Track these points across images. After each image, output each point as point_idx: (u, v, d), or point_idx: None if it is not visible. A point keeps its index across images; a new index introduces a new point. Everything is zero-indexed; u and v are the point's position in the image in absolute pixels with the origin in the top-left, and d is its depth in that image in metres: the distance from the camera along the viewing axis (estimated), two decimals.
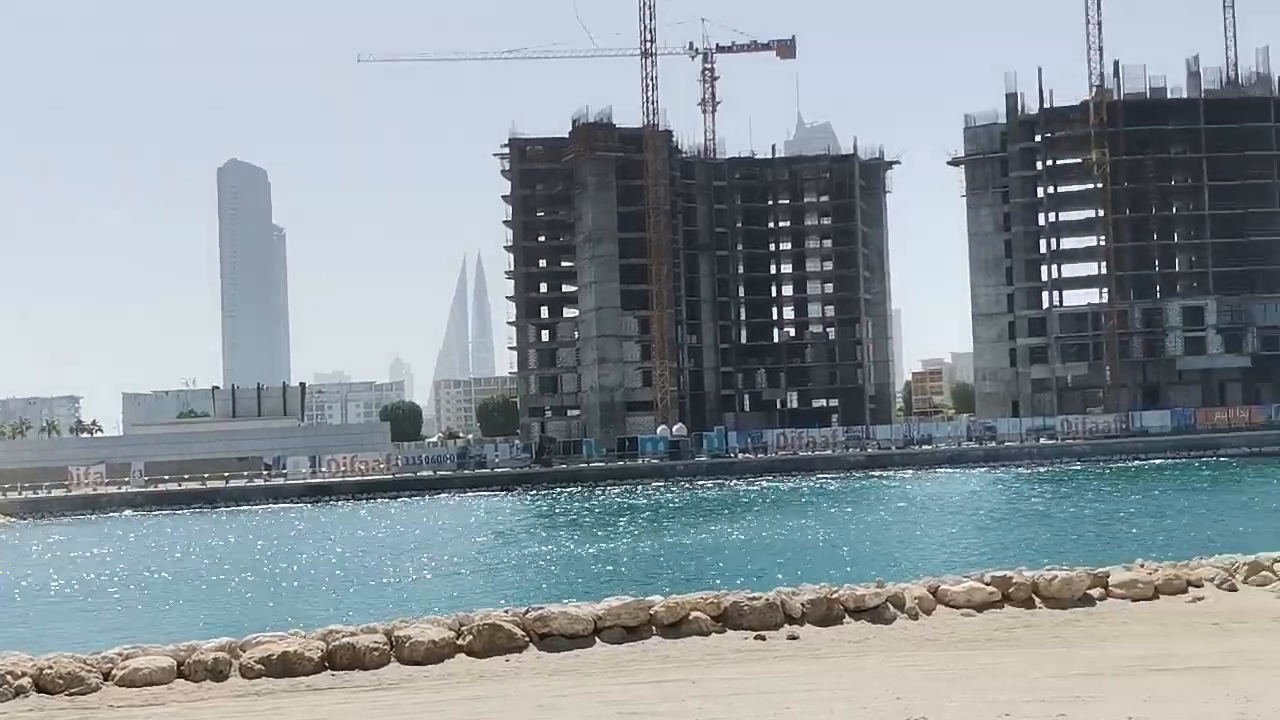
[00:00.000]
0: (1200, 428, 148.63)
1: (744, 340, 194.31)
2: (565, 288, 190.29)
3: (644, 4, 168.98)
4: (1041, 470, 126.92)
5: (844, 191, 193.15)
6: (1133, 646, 15.09)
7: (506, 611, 15.95)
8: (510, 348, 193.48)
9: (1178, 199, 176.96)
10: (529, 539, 75.82)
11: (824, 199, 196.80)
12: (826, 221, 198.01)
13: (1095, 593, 17.30)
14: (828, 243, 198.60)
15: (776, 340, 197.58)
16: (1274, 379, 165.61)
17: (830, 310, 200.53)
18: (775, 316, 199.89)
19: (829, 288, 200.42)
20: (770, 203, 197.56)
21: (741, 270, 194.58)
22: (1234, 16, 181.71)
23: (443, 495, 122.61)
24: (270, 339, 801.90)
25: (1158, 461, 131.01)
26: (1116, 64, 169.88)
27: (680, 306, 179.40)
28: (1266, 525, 65.13)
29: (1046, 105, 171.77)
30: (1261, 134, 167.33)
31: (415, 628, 15.45)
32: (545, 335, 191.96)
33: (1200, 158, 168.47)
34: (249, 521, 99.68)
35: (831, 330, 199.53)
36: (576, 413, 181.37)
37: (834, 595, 16.62)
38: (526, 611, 15.87)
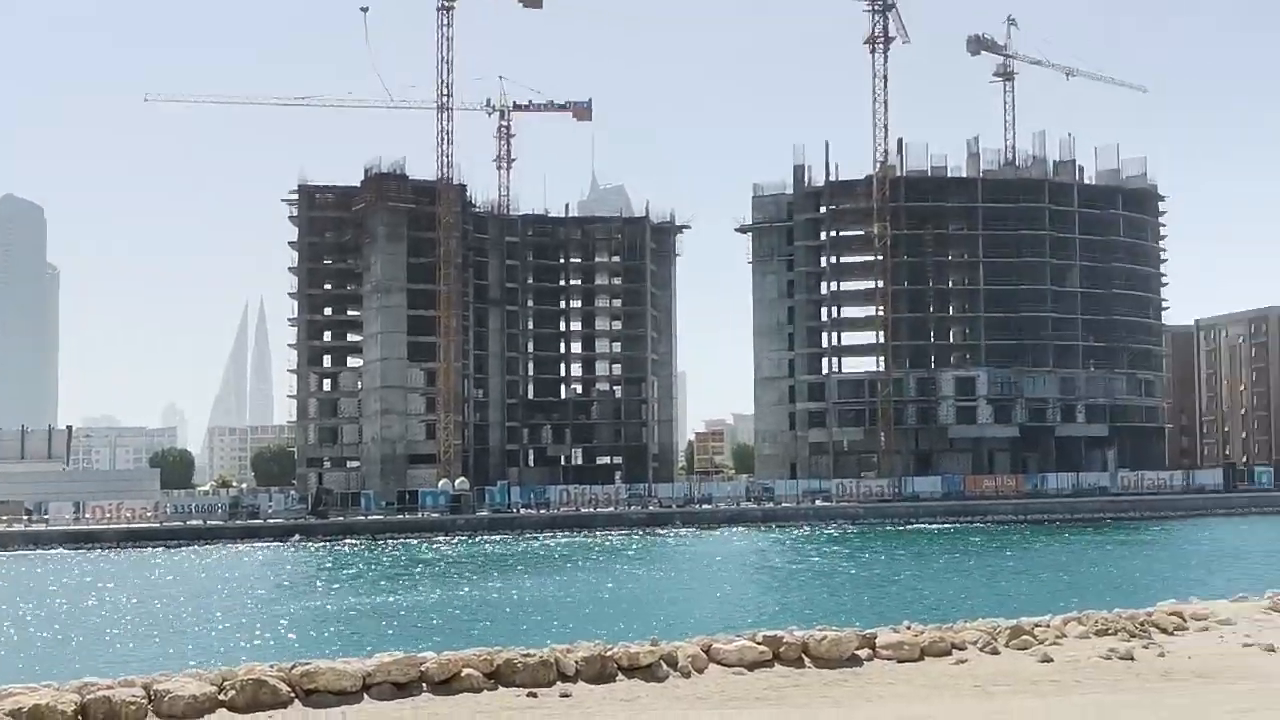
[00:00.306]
0: (969, 494, 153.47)
1: (531, 396, 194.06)
2: (351, 337, 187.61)
3: (441, 59, 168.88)
4: (817, 531, 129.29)
5: (635, 253, 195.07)
6: (899, 707, 15.37)
7: (272, 666, 15.46)
8: (290, 396, 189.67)
9: (954, 273, 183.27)
10: (301, 592, 74.11)
11: (615, 259, 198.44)
12: (617, 281, 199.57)
13: (863, 653, 17.56)
14: (617, 302, 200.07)
15: (563, 397, 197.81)
16: (1040, 449, 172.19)
17: (617, 369, 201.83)
18: (563, 373, 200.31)
19: (617, 347, 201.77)
20: (562, 260, 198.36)
21: (531, 326, 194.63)
22: (1013, 100, 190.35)
23: (213, 545, 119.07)
24: (38, 380, 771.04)
25: (928, 526, 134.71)
26: (900, 141, 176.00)
27: (468, 360, 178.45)
28: (1028, 589, 67.49)
29: (832, 178, 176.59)
30: (1035, 214, 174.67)
31: (175, 681, 14.87)
32: (327, 384, 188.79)
33: (977, 234, 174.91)
34: (4, 569, 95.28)
35: (618, 389, 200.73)
36: (356, 464, 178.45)
37: (608, 653, 16.55)
38: (293, 667, 15.40)
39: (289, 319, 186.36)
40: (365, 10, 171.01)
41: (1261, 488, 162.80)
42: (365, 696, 15.24)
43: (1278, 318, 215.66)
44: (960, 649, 18.10)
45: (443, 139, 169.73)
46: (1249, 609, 21.00)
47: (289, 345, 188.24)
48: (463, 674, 15.73)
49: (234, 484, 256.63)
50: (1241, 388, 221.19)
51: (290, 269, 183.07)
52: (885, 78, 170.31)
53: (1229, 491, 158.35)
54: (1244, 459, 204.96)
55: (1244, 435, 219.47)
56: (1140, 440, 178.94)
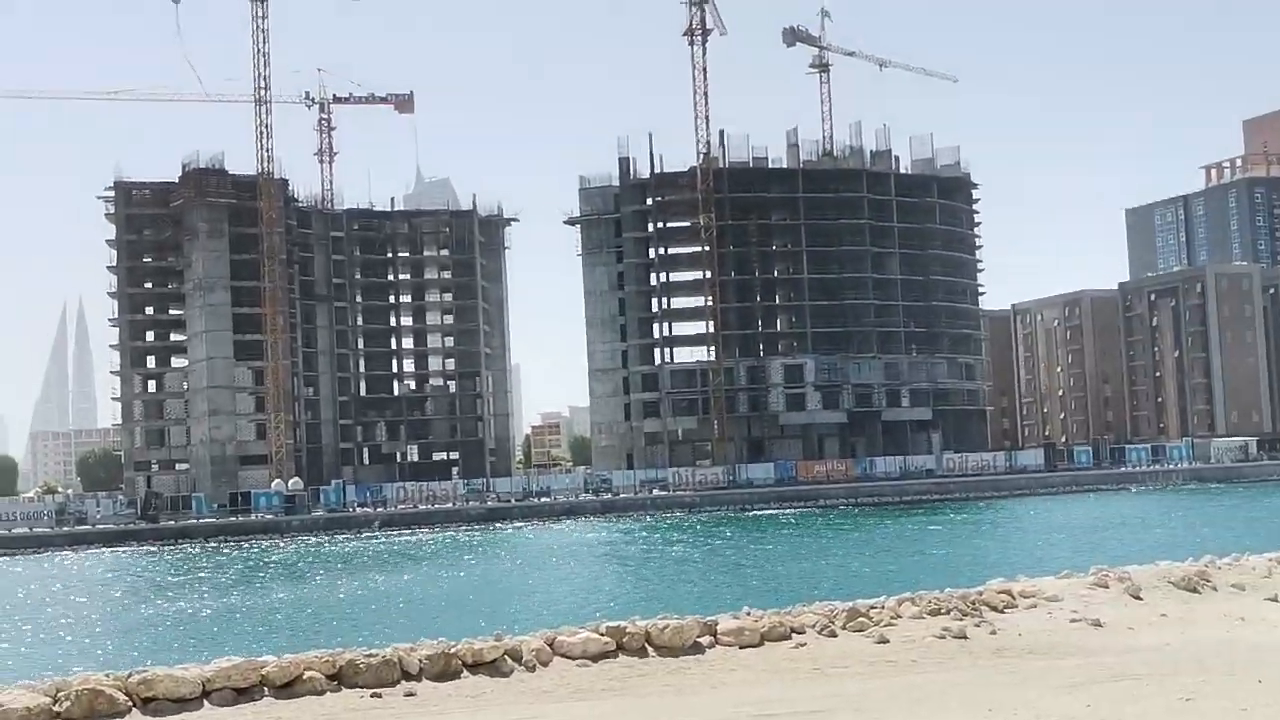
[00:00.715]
0: (801, 480, 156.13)
1: (363, 393, 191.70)
2: (174, 337, 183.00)
3: (258, 50, 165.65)
4: (656, 520, 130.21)
5: (464, 246, 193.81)
6: (741, 692, 15.60)
7: (108, 675, 15.10)
8: (114, 399, 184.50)
9: (779, 263, 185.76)
10: (135, 599, 72.32)
11: (444, 253, 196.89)
12: (447, 275, 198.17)
13: (705, 641, 17.76)
14: (448, 296, 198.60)
15: (396, 393, 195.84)
16: (867, 434, 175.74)
17: (450, 364, 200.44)
18: (395, 369, 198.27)
19: (449, 341, 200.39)
20: (390, 255, 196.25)
21: (360, 322, 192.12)
22: (829, 91, 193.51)
23: (41, 554, 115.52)
24: None
25: (764, 512, 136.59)
26: (722, 133, 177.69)
27: (297, 358, 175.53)
28: (862, 571, 68.90)
29: (658, 170, 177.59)
30: (855, 203, 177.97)
31: (7, 694, 14.44)
32: (152, 386, 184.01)
33: (799, 224, 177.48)
34: None
35: (452, 384, 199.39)
36: (185, 466, 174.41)
37: (452, 650, 16.50)
38: (129, 675, 15.07)
39: (109, 319, 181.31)
40: (178, 2, 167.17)
41: (1081, 467, 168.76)
42: (205, 703, 14.99)
43: (1090, 301, 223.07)
44: (799, 633, 18.42)
45: (262, 133, 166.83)
46: (1075, 585, 21.72)
47: (111, 346, 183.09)
48: (305, 677, 15.56)
49: (60, 490, 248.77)
50: (1058, 369, 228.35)
51: (109, 267, 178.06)
52: (705, 70, 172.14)
53: (1049, 471, 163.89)
54: (1063, 439, 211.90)
55: (1062, 416, 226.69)
56: (963, 423, 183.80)
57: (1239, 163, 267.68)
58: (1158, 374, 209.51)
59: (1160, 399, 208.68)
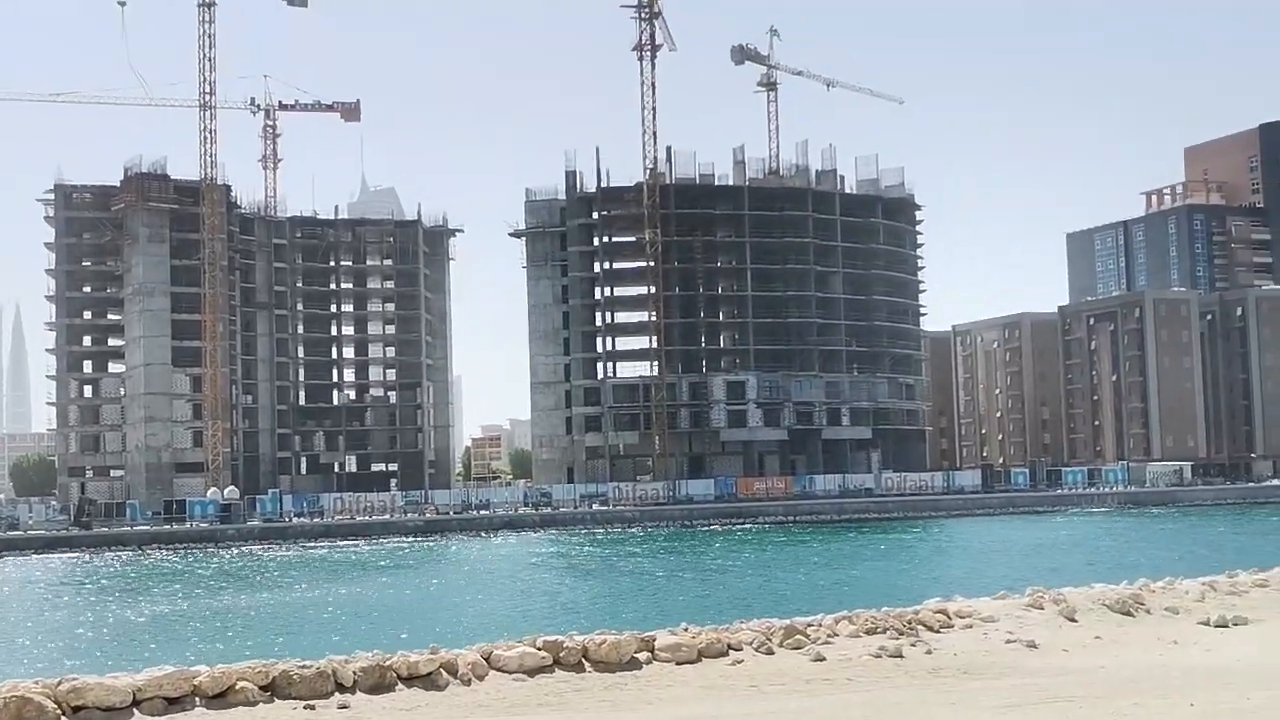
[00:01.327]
0: (741, 496, 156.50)
1: (302, 402, 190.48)
2: (112, 342, 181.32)
3: (204, 56, 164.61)
4: (595, 535, 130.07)
5: (407, 256, 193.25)
6: (677, 709, 15.57)
7: (37, 683, 14.86)
8: (49, 403, 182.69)
9: (723, 279, 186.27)
10: (66, 606, 71.38)
11: (387, 262, 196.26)
12: (389, 285, 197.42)
13: (643, 656, 17.72)
14: (390, 306, 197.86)
15: (336, 403, 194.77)
16: (808, 451, 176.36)
17: (391, 374, 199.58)
18: (335, 378, 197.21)
19: (390, 351, 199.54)
20: (332, 263, 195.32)
21: (301, 330, 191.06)
22: (776, 110, 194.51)
23: None
24: None
25: (704, 527, 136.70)
26: (669, 149, 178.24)
27: (236, 365, 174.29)
28: (800, 588, 69.08)
29: (604, 185, 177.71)
30: (799, 222, 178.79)
31: None
32: (88, 391, 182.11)
33: (744, 242, 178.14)
34: None
35: (393, 394, 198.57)
36: (121, 473, 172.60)
37: (387, 663, 16.36)
38: (59, 683, 14.84)
39: (46, 323, 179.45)
40: (123, 4, 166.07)
41: (1017, 488, 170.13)
42: (135, 712, 14.78)
43: (1030, 324, 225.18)
44: (736, 650, 18.41)
45: (206, 138, 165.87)
46: (1010, 606, 21.84)
47: (47, 350, 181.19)
48: (237, 687, 15.38)
49: None
50: (997, 391, 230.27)
51: (48, 271, 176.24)
52: (654, 85, 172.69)
53: (987, 492, 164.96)
54: (1000, 460, 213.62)
55: (1000, 437, 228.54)
56: (903, 442, 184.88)
57: (1179, 189, 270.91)
58: (1095, 397, 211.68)
59: (1097, 422, 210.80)
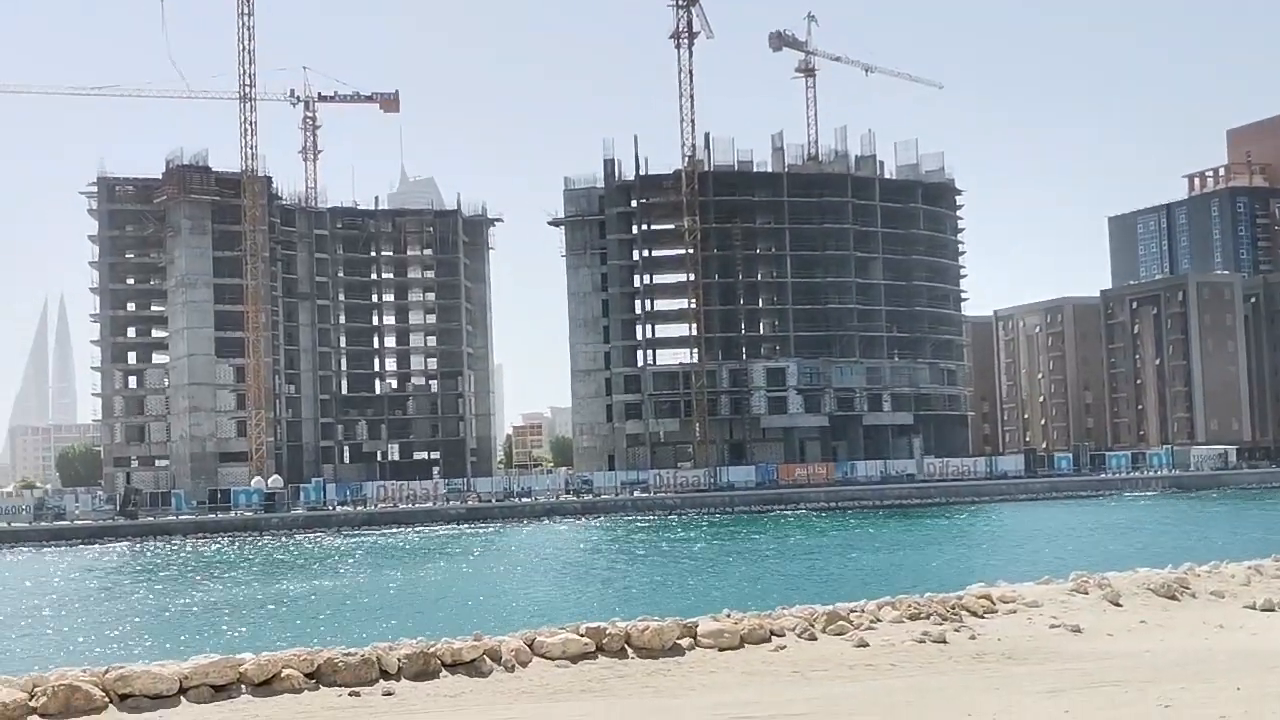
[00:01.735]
0: (782, 483, 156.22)
1: (344, 391, 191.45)
2: (156, 333, 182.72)
3: (243, 49, 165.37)
4: (636, 521, 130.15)
5: (447, 246, 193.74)
6: (719, 695, 15.58)
7: (85, 671, 15.02)
8: (94, 394, 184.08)
9: (763, 266, 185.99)
10: (112, 595, 72.05)
11: (427, 252, 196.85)
12: (430, 275, 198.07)
13: (685, 643, 17.75)
14: (431, 296, 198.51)
15: (378, 392, 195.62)
16: (849, 437, 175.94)
17: (433, 363, 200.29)
18: (377, 368, 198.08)
19: (432, 340, 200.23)
20: (373, 254, 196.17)
21: (343, 320, 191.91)
22: (815, 96, 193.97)
23: (18, 549, 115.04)
24: None
25: (745, 514, 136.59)
26: (707, 136, 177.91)
27: (278, 355, 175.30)
28: (842, 574, 68.95)
29: (642, 173, 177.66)
30: (839, 208, 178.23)
31: None
32: (133, 382, 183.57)
33: (783, 228, 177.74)
34: None
35: (434, 383, 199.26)
36: (165, 463, 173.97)
37: (431, 649, 16.45)
38: (106, 671, 14.99)
39: (91, 314, 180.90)
40: None
41: (1061, 473, 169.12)
42: (182, 700, 14.91)
43: (1072, 308, 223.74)
44: (779, 635, 18.41)
45: (246, 130, 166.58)
46: (1054, 591, 21.76)
47: (92, 342, 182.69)
48: (283, 675, 15.49)
49: (38, 485, 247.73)
50: (1039, 376, 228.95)
51: (91, 263, 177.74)
52: (691, 73, 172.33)
53: (1030, 477, 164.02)
54: (1043, 445, 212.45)
55: (1043, 422, 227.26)
56: (944, 427, 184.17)
57: (1222, 172, 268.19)
58: (1138, 381, 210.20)
59: (1141, 406, 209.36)
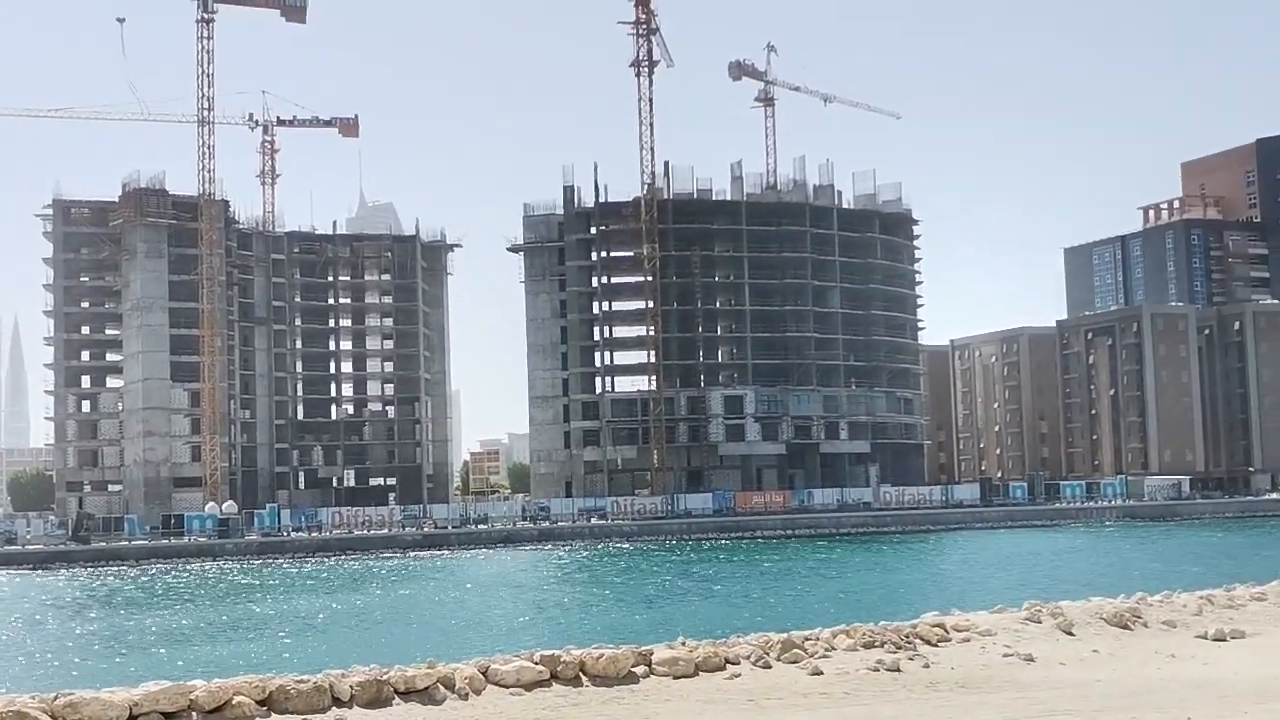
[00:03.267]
0: (740, 510, 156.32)
1: (300, 416, 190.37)
2: (110, 357, 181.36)
3: (202, 72, 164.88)
4: (593, 548, 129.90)
5: (406, 271, 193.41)
6: None
7: (33, 697, 14.85)
8: (47, 418, 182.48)
9: (721, 294, 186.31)
10: (62, 620, 71.28)
11: (385, 277, 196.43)
12: (388, 300, 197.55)
13: (640, 670, 17.70)
14: (389, 321, 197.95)
15: (334, 417, 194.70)
16: (806, 465, 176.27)
17: (390, 389, 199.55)
18: (333, 393, 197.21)
19: (389, 366, 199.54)
20: (331, 279, 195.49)
21: (299, 345, 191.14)
22: (774, 125, 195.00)
23: None
24: None
25: (702, 542, 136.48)
26: (666, 164, 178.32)
27: (234, 380, 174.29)
28: (797, 602, 69.00)
29: (602, 200, 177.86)
30: (797, 236, 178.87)
31: None
32: (86, 406, 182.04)
33: (742, 256, 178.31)
34: None
35: (391, 409, 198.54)
36: (119, 488, 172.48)
37: (384, 677, 16.35)
38: (55, 697, 14.83)
39: (45, 338, 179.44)
40: (122, 21, 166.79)
41: (1016, 502, 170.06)
42: None
43: (1028, 338, 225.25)
44: (734, 663, 18.39)
45: (204, 153, 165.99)
46: (1008, 620, 21.84)
47: (45, 365, 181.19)
48: (234, 702, 15.37)
49: None
50: (995, 405, 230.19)
51: (46, 286, 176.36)
52: (651, 101, 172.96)
53: (985, 506, 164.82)
54: (999, 474, 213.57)
55: (998, 451, 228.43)
56: (901, 456, 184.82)
57: (1176, 204, 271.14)
58: (1093, 411, 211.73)
59: (1095, 436, 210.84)
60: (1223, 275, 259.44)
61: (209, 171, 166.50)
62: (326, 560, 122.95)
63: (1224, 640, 21.25)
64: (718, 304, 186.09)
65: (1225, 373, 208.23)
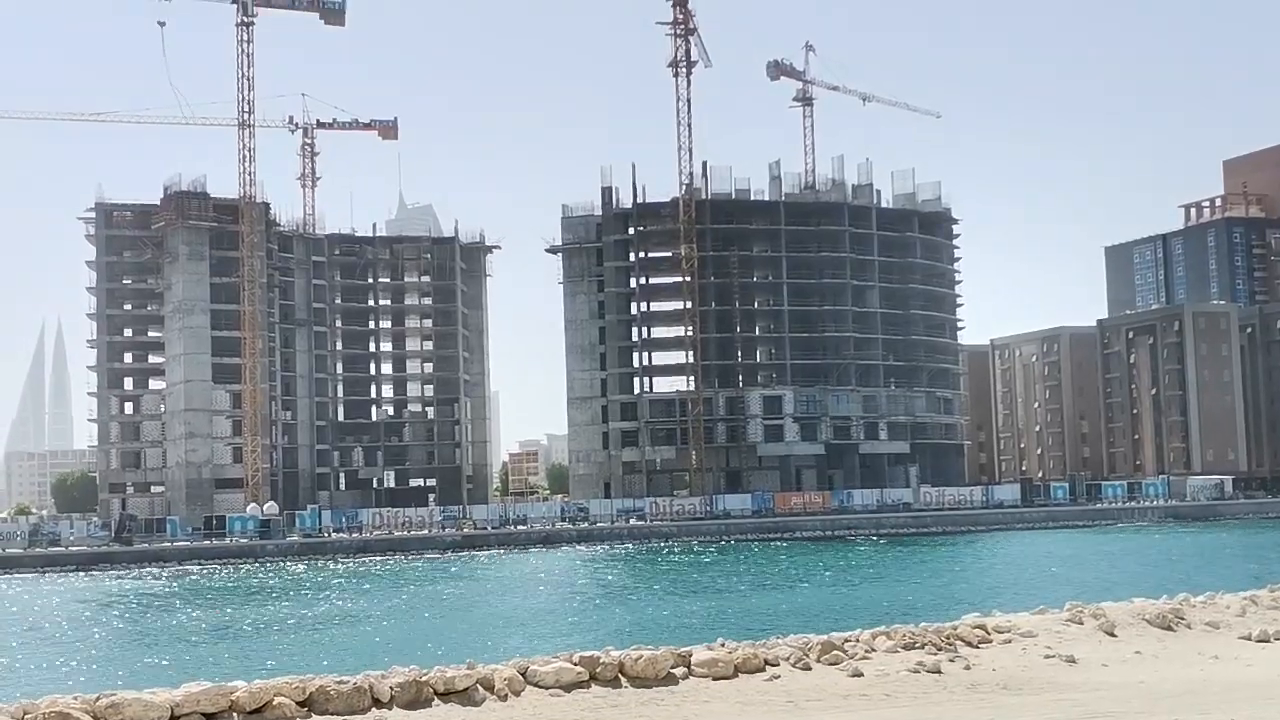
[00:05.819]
0: (778, 511, 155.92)
1: (341, 418, 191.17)
2: (152, 359, 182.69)
3: (242, 75, 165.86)
4: (632, 550, 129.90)
5: (445, 273, 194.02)
6: None
7: (75, 698, 14.96)
8: (90, 420, 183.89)
9: (759, 295, 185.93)
10: (104, 622, 71.80)
11: (425, 279, 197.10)
12: (427, 302, 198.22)
13: (679, 671, 17.70)
14: (428, 323, 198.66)
15: (374, 418, 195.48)
16: (845, 466, 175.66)
17: (429, 390, 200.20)
18: (373, 394, 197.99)
19: (429, 367, 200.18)
20: (370, 280, 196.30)
21: (340, 347, 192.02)
22: (812, 125, 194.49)
23: (12, 575, 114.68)
24: None
25: (741, 542, 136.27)
26: (705, 164, 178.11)
27: (275, 381, 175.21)
28: (839, 604, 68.77)
29: (640, 200, 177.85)
30: (836, 236, 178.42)
31: None
32: (129, 408, 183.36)
33: (780, 256, 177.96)
34: None
35: (430, 410, 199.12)
36: (161, 489, 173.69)
37: (423, 678, 16.40)
38: (97, 698, 14.93)
39: (88, 340, 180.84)
40: (163, 25, 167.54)
41: (1057, 503, 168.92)
42: None
43: (1069, 338, 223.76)
44: (773, 665, 18.35)
45: (244, 156, 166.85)
46: (1049, 621, 21.72)
47: (89, 368, 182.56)
48: (274, 703, 15.45)
49: (33, 511, 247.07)
50: (1036, 405, 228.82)
51: (89, 289, 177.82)
52: (689, 101, 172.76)
53: (1026, 506, 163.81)
54: (1039, 474, 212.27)
55: (1039, 451, 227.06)
56: (941, 456, 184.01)
57: (1218, 202, 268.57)
58: (1134, 411, 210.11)
59: (1137, 436, 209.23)
60: (1265, 273, 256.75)
61: (250, 174, 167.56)
62: (366, 561, 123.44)
63: (1268, 641, 21.06)
64: (756, 304, 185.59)
65: (1268, 371, 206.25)
